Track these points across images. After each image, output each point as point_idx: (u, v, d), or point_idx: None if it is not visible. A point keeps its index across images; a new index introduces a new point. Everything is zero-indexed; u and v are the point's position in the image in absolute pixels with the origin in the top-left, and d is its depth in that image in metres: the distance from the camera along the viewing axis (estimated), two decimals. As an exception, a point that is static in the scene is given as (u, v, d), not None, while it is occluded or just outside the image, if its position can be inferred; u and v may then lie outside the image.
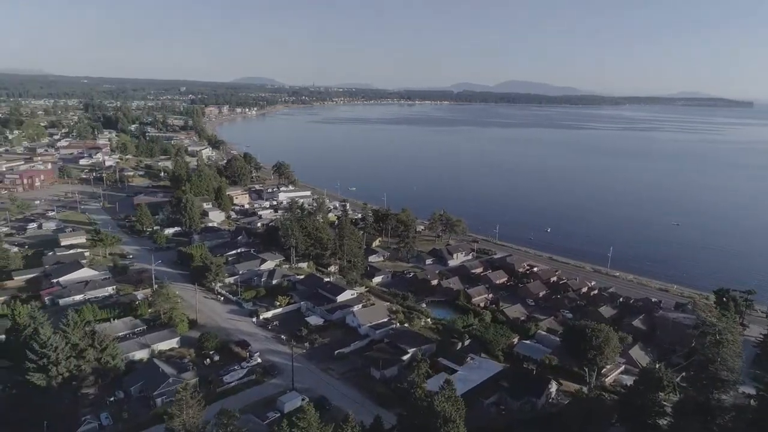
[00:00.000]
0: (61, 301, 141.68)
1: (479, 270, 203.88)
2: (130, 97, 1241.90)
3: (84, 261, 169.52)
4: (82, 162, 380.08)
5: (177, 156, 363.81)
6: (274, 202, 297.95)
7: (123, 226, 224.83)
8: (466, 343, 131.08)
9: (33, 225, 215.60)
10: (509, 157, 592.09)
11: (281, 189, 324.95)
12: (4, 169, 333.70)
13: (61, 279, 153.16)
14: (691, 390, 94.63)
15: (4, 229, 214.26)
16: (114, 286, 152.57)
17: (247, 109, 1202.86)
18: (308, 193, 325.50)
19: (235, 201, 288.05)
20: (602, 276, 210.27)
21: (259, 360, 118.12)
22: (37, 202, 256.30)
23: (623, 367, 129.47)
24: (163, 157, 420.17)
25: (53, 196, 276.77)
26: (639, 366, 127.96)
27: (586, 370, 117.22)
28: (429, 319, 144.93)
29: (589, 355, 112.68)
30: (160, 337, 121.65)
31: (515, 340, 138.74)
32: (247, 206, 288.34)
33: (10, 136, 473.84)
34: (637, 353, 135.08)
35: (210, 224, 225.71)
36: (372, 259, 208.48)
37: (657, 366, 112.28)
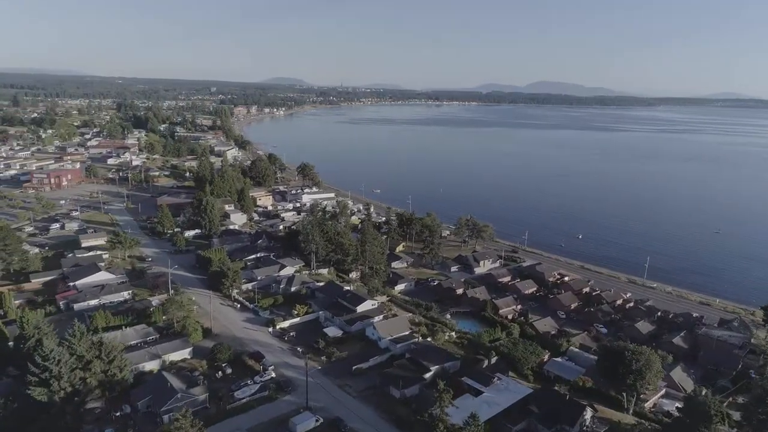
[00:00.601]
0: (76, 306, 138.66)
1: (507, 279, 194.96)
2: (162, 97, 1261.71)
3: (102, 264, 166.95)
4: (110, 161, 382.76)
5: (202, 156, 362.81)
6: (298, 204, 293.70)
7: (144, 227, 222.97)
8: (493, 360, 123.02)
9: (56, 225, 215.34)
10: (538, 159, 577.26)
11: (305, 191, 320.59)
12: (34, 168, 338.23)
13: (77, 282, 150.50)
14: (746, 425, 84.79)
15: (29, 229, 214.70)
16: (130, 291, 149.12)
17: (275, 110, 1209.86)
18: (332, 195, 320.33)
19: (259, 203, 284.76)
20: (638, 287, 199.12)
21: (273, 374, 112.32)
22: (63, 202, 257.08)
23: (664, 390, 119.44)
24: (189, 157, 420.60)
25: (79, 195, 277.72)
26: (681, 390, 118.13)
27: (624, 395, 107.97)
28: (453, 333, 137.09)
29: (629, 380, 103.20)
30: (171, 347, 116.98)
31: (545, 356, 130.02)
32: (270, 208, 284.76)
33: (44, 135, 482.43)
34: (679, 375, 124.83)
35: (231, 227, 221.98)
36: (395, 265, 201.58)
37: (704, 393, 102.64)
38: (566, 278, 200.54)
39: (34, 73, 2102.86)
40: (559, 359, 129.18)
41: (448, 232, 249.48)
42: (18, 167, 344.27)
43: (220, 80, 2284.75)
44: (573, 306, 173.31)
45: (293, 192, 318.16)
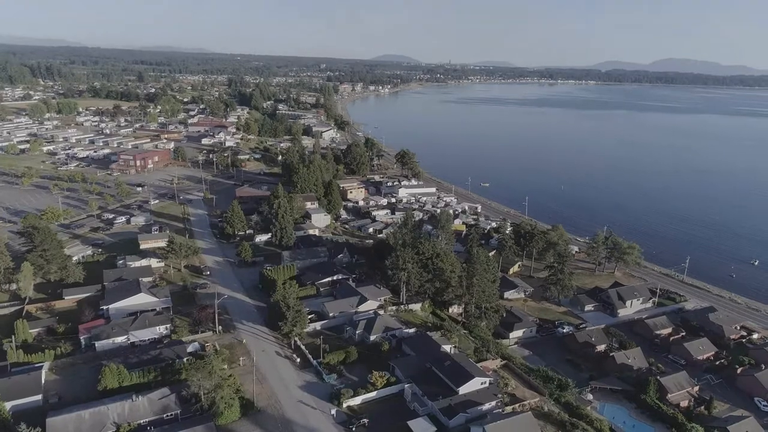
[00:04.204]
0: (98, 344, 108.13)
1: (667, 331, 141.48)
2: (273, 74, 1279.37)
3: (148, 280, 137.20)
4: (204, 141, 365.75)
5: (294, 140, 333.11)
6: (393, 200, 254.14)
7: (215, 225, 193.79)
8: None
9: (122, 219, 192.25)
10: (684, 152, 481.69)
11: (402, 183, 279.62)
12: (130, 147, 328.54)
13: (111, 306, 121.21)
14: None
15: (106, 217, 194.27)
16: (168, 325, 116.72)
17: (380, 87, 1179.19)
18: (433, 189, 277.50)
19: (349, 196, 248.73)
20: None
21: None
22: (139, 189, 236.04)
23: None
24: (286, 137, 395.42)
25: (161, 180, 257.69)
26: None
27: None
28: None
29: None
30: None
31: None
32: (361, 203, 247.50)
33: (150, 111, 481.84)
34: None
35: (310, 231, 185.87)
36: (508, 295, 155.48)
37: None
38: (755, 335, 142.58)
39: (165, 51, 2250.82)
40: None
41: (576, 249, 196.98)
42: (116, 145, 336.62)
43: (332, 57, 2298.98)
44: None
45: (389, 184, 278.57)
